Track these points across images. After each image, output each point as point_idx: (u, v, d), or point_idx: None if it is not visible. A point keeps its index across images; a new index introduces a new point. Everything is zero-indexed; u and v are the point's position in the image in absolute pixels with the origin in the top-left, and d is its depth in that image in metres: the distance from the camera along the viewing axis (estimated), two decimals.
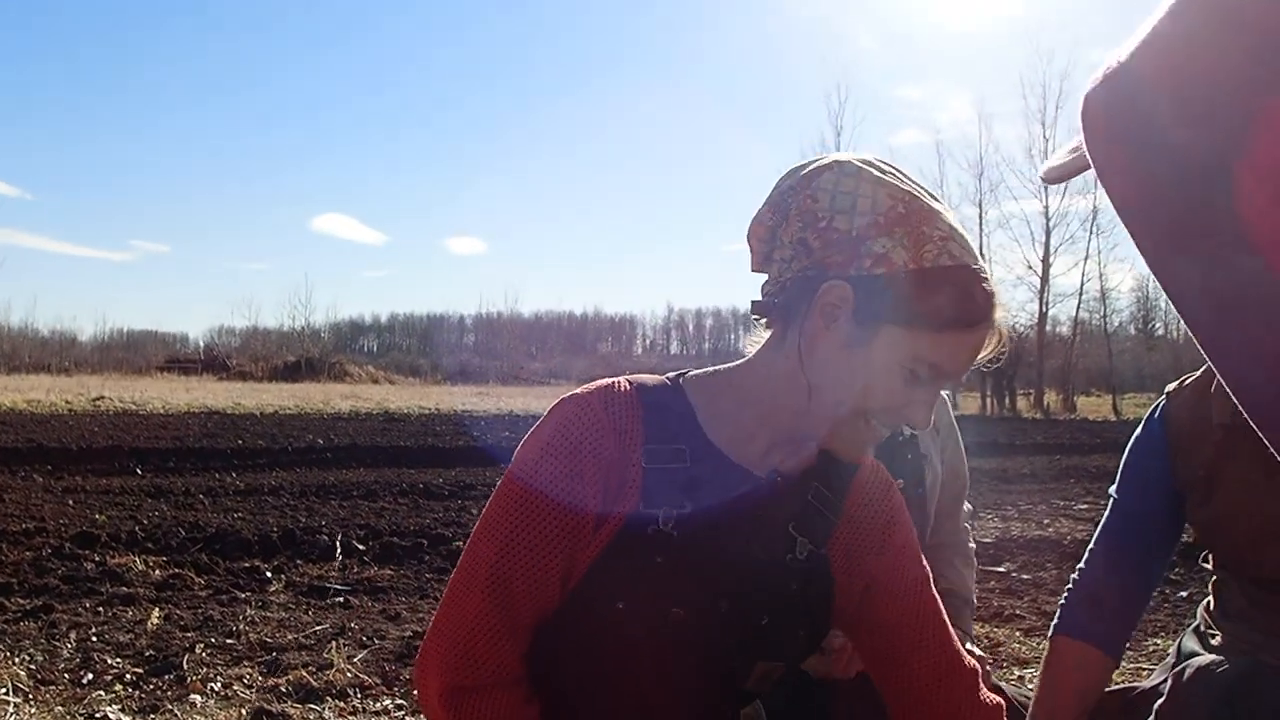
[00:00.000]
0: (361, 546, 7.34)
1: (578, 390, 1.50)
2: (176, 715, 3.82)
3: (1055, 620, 2.28)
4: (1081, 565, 2.30)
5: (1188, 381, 2.21)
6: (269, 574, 6.56)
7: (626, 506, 1.43)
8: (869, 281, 1.39)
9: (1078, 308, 43.54)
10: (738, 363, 1.56)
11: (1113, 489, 2.30)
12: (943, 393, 2.56)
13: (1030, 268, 40.77)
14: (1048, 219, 40.83)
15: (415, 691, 1.61)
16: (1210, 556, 2.21)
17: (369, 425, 21.02)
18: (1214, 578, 2.23)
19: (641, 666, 1.46)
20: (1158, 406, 2.25)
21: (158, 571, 6.47)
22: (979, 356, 1.47)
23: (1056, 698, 2.16)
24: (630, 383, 1.51)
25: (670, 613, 1.43)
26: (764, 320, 1.52)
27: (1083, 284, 42.32)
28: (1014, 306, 41.40)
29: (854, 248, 1.39)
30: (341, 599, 5.94)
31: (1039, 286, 40.92)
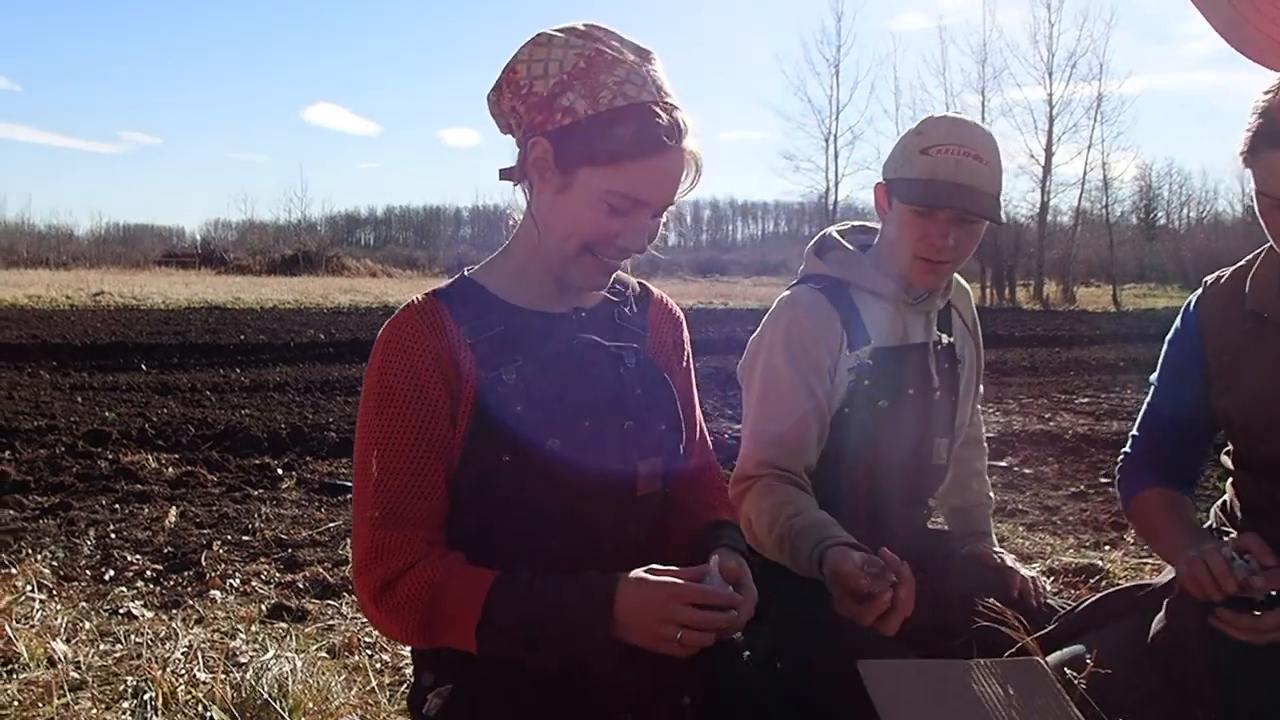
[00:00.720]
0: None
1: (388, 323, 1.73)
2: (198, 610, 3.92)
3: (1123, 492, 2.33)
4: (1126, 450, 2.36)
5: (1226, 273, 2.23)
6: (280, 471, 6.68)
7: (472, 381, 1.69)
8: (561, 133, 1.64)
9: (1080, 197, 43.31)
10: (506, 242, 1.84)
11: (1153, 376, 2.35)
12: (966, 285, 2.61)
13: (1032, 157, 40.44)
14: (1051, 106, 40.39)
15: (362, 609, 1.76)
16: (1229, 451, 2.24)
17: (369, 319, 21.05)
18: (1230, 477, 2.27)
19: (546, 498, 1.69)
20: (1194, 295, 2.27)
21: (170, 469, 6.58)
22: (678, 188, 1.71)
23: (1170, 535, 2.15)
24: (426, 294, 1.76)
25: (549, 443, 1.68)
26: (515, 185, 1.77)
27: (1085, 173, 42.01)
28: (1015, 196, 41.06)
29: (548, 106, 1.64)
30: (352, 495, 6.03)
31: (1041, 176, 40.61)
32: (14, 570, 4.05)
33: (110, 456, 6.82)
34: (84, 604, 3.94)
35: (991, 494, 2.80)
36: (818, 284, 2.40)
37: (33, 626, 3.52)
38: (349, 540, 4.87)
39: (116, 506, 5.67)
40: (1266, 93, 1.85)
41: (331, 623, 3.82)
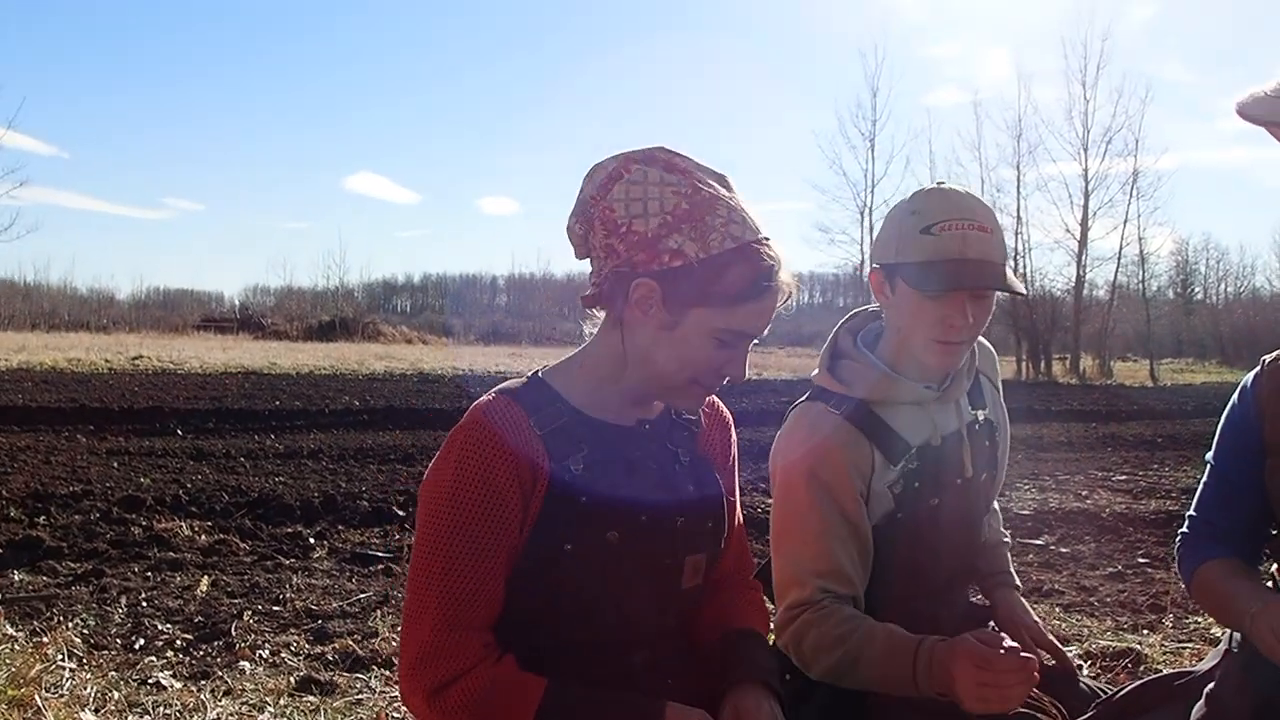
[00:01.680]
0: (401, 512, 7.43)
1: (462, 423, 1.75)
2: (226, 681, 3.90)
3: (1184, 567, 2.26)
4: (1184, 530, 2.30)
5: None
6: (311, 540, 6.67)
7: (545, 472, 1.72)
8: (670, 274, 1.67)
9: (1116, 272, 43.00)
10: (582, 347, 1.87)
11: (1209, 455, 2.29)
12: (987, 344, 2.55)
13: (1068, 231, 40.20)
14: (1086, 182, 40.21)
15: (407, 706, 1.77)
16: (1277, 534, 2.19)
17: (404, 386, 21.17)
18: (1276, 562, 2.22)
19: (599, 589, 1.74)
20: (1251, 374, 2.23)
21: (203, 536, 6.59)
22: (774, 312, 1.76)
23: (1240, 598, 2.07)
24: (497, 394, 1.79)
25: (607, 538, 1.72)
26: (595, 308, 1.82)
27: (1121, 248, 41.74)
28: (1050, 270, 40.92)
29: (652, 247, 1.67)
30: (383, 566, 6.03)
31: (1076, 250, 40.40)
32: (45, 638, 4.05)
33: (144, 523, 6.84)
34: (113, 673, 3.94)
35: (1007, 534, 2.70)
36: (837, 406, 2.27)
37: (62, 696, 3.51)
38: (379, 612, 4.87)
39: (149, 574, 5.68)
40: None
41: (360, 696, 3.80)
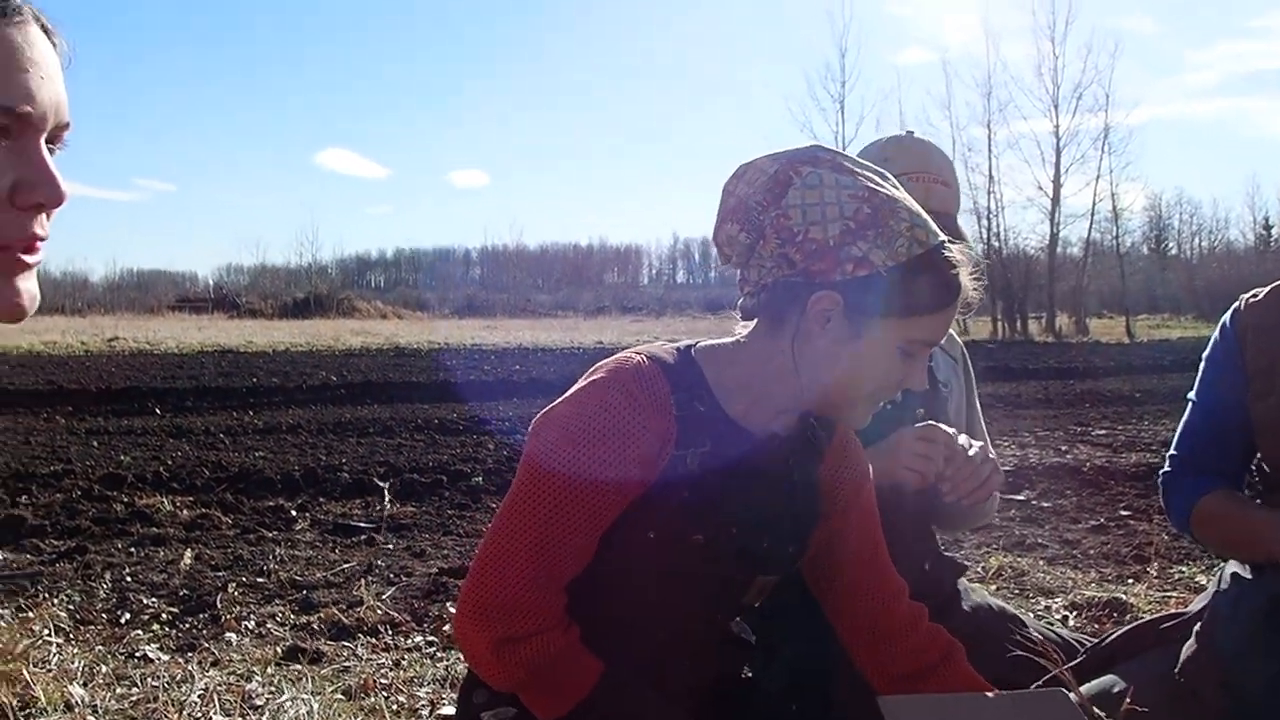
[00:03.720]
0: (382, 484, 7.44)
1: (608, 374, 1.66)
2: (213, 653, 3.92)
3: (1176, 505, 2.27)
4: (1167, 469, 2.32)
5: (1263, 291, 2.21)
6: (294, 512, 6.69)
7: (666, 456, 1.62)
8: (853, 284, 1.56)
9: (1089, 229, 43.28)
10: (735, 341, 1.74)
11: (1190, 393, 2.31)
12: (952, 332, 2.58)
13: (1040, 189, 40.43)
14: (1058, 138, 40.39)
15: (457, 639, 1.73)
16: (1261, 465, 2.20)
17: (380, 361, 21.12)
18: (1260, 494, 2.24)
19: (663, 585, 1.68)
20: (1231, 309, 2.25)
21: (185, 511, 6.60)
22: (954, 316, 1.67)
23: (1255, 522, 2.09)
24: (650, 359, 1.69)
25: (692, 539, 1.64)
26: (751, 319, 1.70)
27: (1094, 204, 41.98)
28: (1024, 229, 41.07)
29: (833, 255, 1.56)
30: (366, 536, 6.06)
31: (1049, 208, 40.59)
32: (31, 614, 4.06)
33: (126, 500, 6.84)
34: (100, 647, 3.95)
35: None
36: None
37: (50, 670, 3.52)
38: (363, 582, 4.89)
39: (132, 549, 5.68)
40: None
41: (347, 665, 3.82)
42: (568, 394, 1.69)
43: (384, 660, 3.88)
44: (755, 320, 1.70)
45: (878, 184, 1.62)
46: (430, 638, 4.20)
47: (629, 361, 1.67)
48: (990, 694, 1.78)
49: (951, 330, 2.61)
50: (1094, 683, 2.04)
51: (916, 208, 1.62)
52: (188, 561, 5.30)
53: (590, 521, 1.61)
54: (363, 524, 6.36)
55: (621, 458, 1.59)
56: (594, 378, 1.67)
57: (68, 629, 4.13)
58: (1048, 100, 40.68)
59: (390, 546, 5.85)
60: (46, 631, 3.95)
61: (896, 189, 1.64)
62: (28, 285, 1.07)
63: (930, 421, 2.03)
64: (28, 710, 3.19)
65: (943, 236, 1.62)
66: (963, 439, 2.17)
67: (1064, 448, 9.60)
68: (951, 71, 76.41)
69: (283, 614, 4.50)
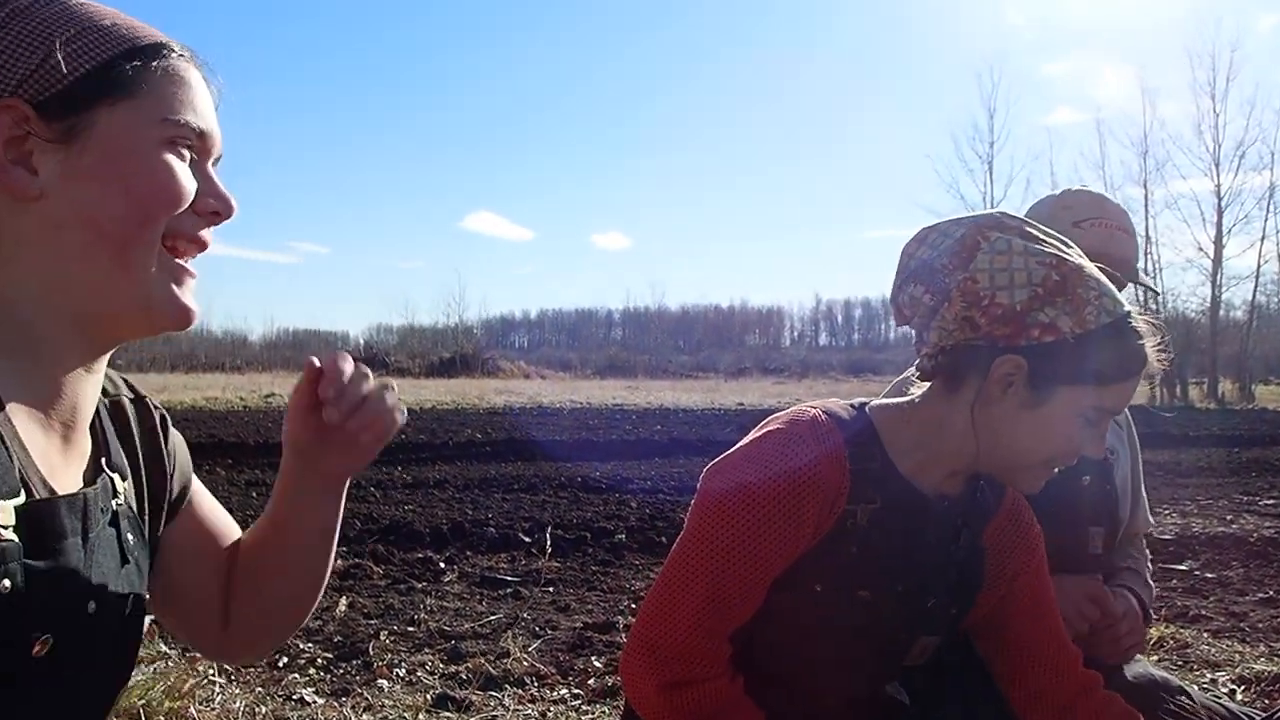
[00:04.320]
0: (527, 539, 7.54)
1: (785, 425, 1.68)
2: (366, 698, 4.02)
3: None
4: None
5: None
6: (442, 564, 6.82)
7: (835, 515, 1.63)
8: (1039, 350, 1.57)
9: (1254, 291, 41.66)
10: (910, 400, 1.76)
11: None
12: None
13: (1201, 249, 39.10)
14: (1219, 198, 39.04)
15: (623, 679, 1.75)
16: None
17: (524, 419, 21.46)
18: None
19: (827, 640, 1.68)
20: None
21: (339, 561, 6.78)
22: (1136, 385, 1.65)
23: None
24: (826, 413, 1.71)
25: (858, 594, 1.66)
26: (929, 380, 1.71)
27: (1259, 266, 40.39)
28: (1184, 291, 39.79)
29: (1020, 320, 1.57)
30: (512, 589, 6.14)
31: (1211, 269, 39.20)
32: (196, 655, 4.22)
33: None
34: (259, 689, 4.08)
35: (1150, 582, 2.64)
36: None
37: (213, 709, 3.66)
38: (510, 634, 4.95)
39: None
40: None
41: (495, 714, 3.87)
42: (742, 444, 1.70)
43: (530, 711, 3.92)
44: (932, 381, 1.70)
45: (1065, 252, 1.61)
46: (576, 690, 4.23)
47: (805, 414, 1.69)
48: None
49: None
50: None
51: (1102, 278, 1.62)
52: (342, 609, 5.45)
53: (761, 571, 1.62)
54: (509, 577, 6.45)
55: (796, 509, 1.60)
56: (769, 429, 1.69)
57: (230, 671, 4.28)
58: (1208, 159, 39.49)
59: (536, 600, 5.92)
60: (211, 672, 4.10)
61: (1082, 258, 1.63)
62: (192, 297, 1.17)
63: (1099, 582, 2.00)
64: None
65: (1129, 306, 1.62)
66: (1119, 604, 2.17)
67: (1229, 517, 9.16)
68: (1105, 131, 74.64)
69: (432, 663, 4.58)
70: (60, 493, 1.07)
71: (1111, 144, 75.32)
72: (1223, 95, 39.83)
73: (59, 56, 1.05)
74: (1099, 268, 2.12)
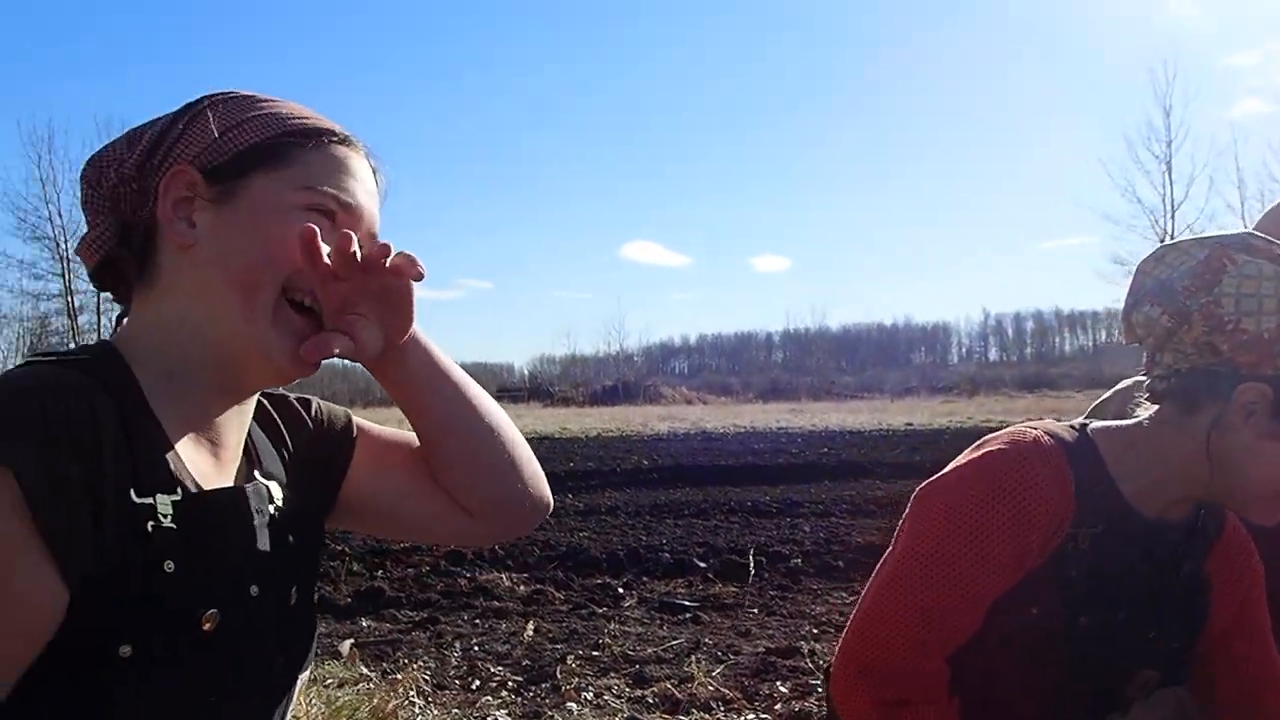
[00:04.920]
0: (702, 564, 7.62)
1: (1007, 444, 1.66)
2: None
3: None
4: None
5: None
6: (620, 590, 6.95)
7: (1058, 538, 1.61)
8: None
9: None
10: (1135, 423, 1.71)
11: None
12: None
13: None
14: None
15: (835, 699, 1.76)
16: None
17: (689, 445, 21.55)
18: None
19: (1045, 667, 1.64)
20: None
21: (522, 587, 6.98)
22: None
23: None
24: (1049, 434, 1.68)
25: (1079, 620, 1.62)
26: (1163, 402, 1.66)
27: None
28: None
29: (1267, 349, 1.53)
30: (691, 615, 6.21)
31: None
32: (399, 677, 4.42)
33: (469, 575, 7.32)
34: (455, 710, 4.25)
35: None
36: None
37: None
38: (693, 658, 5.02)
39: (477, 621, 6.07)
40: None
41: None
42: (959, 464, 1.70)
43: None
44: (1160, 405, 1.67)
45: None
46: (763, 715, 4.27)
47: (1027, 435, 1.67)
48: None
49: None
50: None
51: None
52: (529, 634, 5.61)
53: (980, 590, 1.60)
54: (687, 602, 6.52)
55: (1020, 533, 1.59)
56: (989, 449, 1.67)
57: (428, 692, 4.46)
58: None
59: (716, 625, 5.97)
60: (411, 693, 4.28)
61: None
62: (315, 347, 1.23)
63: None
64: None
65: None
66: None
67: None
68: None
69: (618, 686, 4.68)
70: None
71: None
72: None
73: (231, 133, 1.22)
74: None
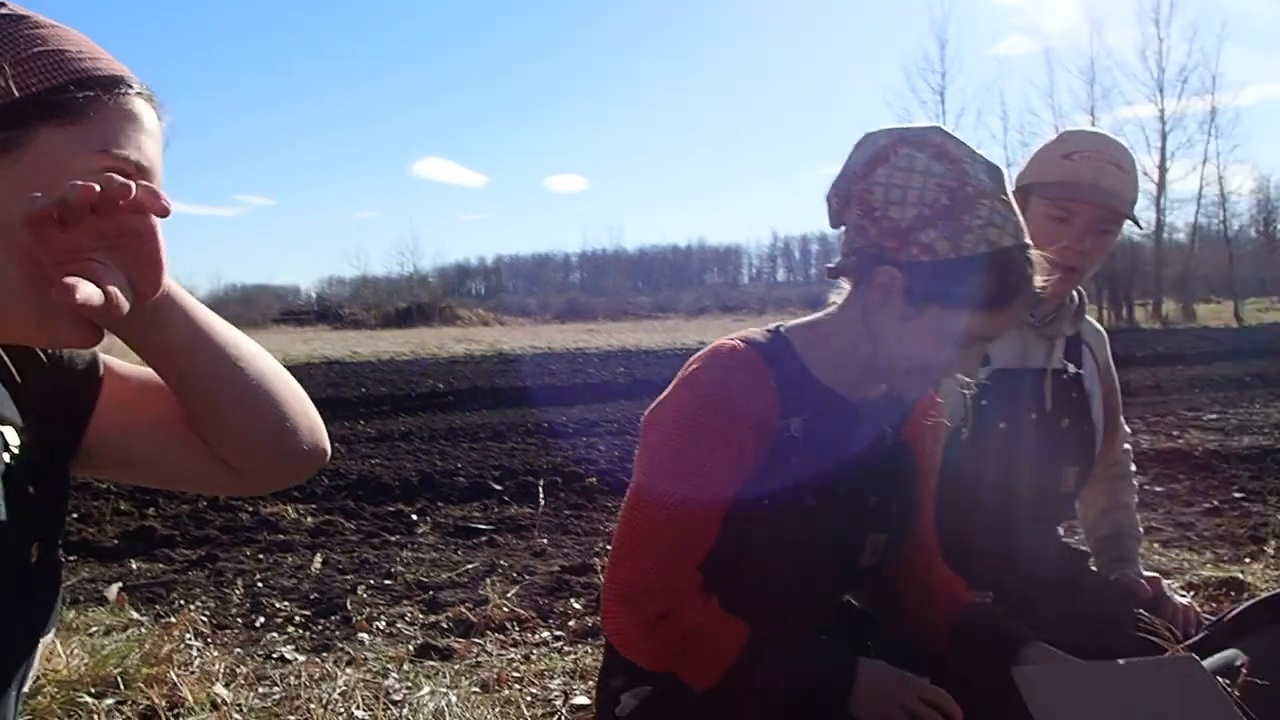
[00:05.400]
0: (498, 487, 7.54)
1: (707, 358, 1.77)
2: (349, 653, 3.99)
3: None
4: None
5: None
6: (414, 516, 6.80)
7: (775, 427, 1.73)
8: (916, 268, 1.63)
9: (1196, 213, 42.30)
10: (825, 313, 1.84)
11: None
12: (1101, 329, 2.58)
13: (1145, 174, 39.49)
14: (1163, 123, 39.52)
15: (606, 629, 1.78)
16: None
17: (485, 368, 21.42)
18: None
19: (786, 550, 1.74)
20: None
21: (309, 518, 6.75)
22: (1020, 317, 1.74)
23: None
24: (743, 340, 1.79)
25: (805, 502, 1.73)
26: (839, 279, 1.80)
27: (1201, 188, 40.99)
28: None
29: (904, 237, 1.64)
30: (486, 538, 6.14)
31: (1155, 193, 39.68)
32: (173, 619, 4.18)
33: (251, 509, 7.01)
34: (239, 650, 4.04)
35: (1140, 529, 2.74)
36: None
37: (193, 673, 3.61)
38: (488, 581, 4.95)
39: (260, 556, 5.82)
40: None
41: (479, 660, 3.88)
42: (671, 386, 1.78)
43: (514, 655, 3.93)
44: (841, 285, 1.79)
45: (973, 178, 1.64)
46: (557, 633, 4.24)
47: (724, 347, 1.77)
48: (1123, 661, 1.78)
49: (1102, 331, 2.62)
50: (1215, 657, 1.99)
51: (1007, 211, 1.65)
52: (317, 566, 5.41)
53: (709, 497, 1.69)
54: (482, 525, 6.44)
55: (730, 434, 1.69)
56: (693, 367, 1.77)
57: (207, 633, 4.24)
58: (1152, 85, 40.03)
59: (511, 546, 5.91)
60: (188, 636, 4.05)
61: (996, 187, 1.66)
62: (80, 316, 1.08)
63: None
64: (176, 710, 3.28)
65: (1023, 242, 1.66)
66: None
67: (1175, 433, 9.58)
68: (1054, 60, 75.16)
69: (412, 614, 4.57)
70: None
71: (1060, 73, 75.71)
72: (1166, 21, 40.48)
73: (16, 72, 1.07)
74: (1061, 196, 2.26)
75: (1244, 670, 1.81)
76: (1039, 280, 1.67)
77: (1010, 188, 1.70)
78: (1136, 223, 2.37)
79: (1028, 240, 1.67)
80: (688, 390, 1.74)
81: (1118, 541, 2.65)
